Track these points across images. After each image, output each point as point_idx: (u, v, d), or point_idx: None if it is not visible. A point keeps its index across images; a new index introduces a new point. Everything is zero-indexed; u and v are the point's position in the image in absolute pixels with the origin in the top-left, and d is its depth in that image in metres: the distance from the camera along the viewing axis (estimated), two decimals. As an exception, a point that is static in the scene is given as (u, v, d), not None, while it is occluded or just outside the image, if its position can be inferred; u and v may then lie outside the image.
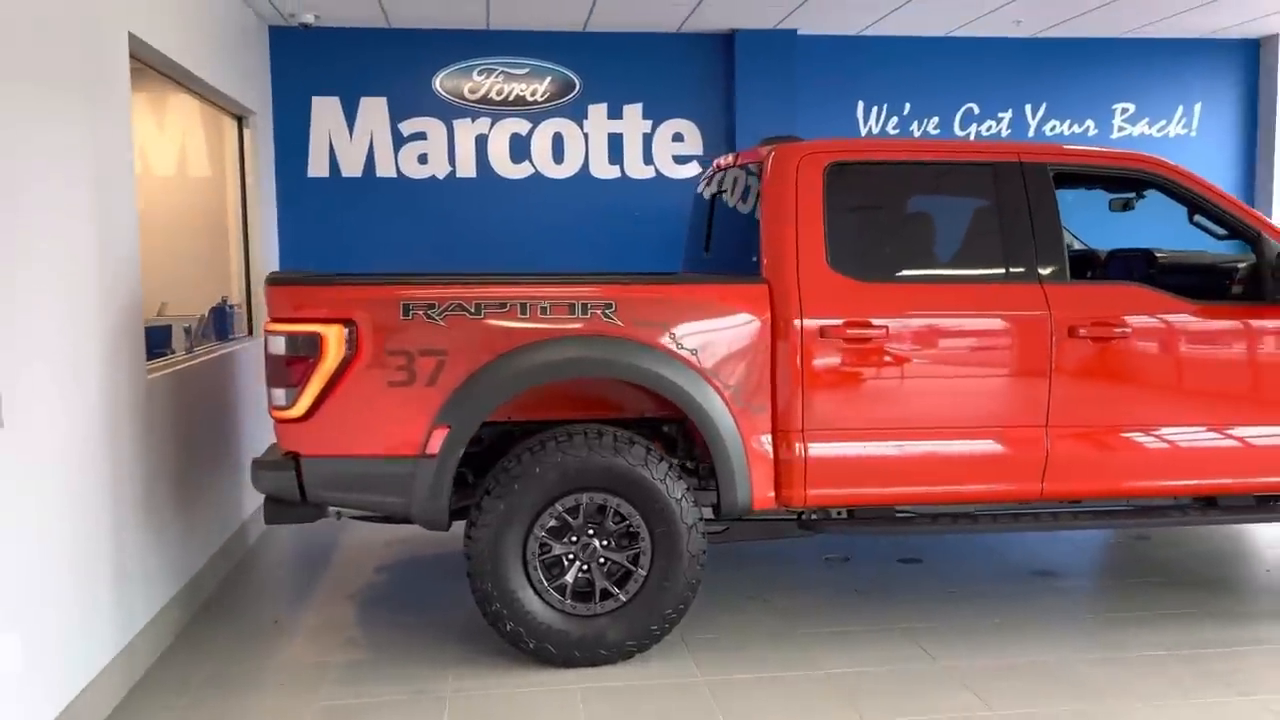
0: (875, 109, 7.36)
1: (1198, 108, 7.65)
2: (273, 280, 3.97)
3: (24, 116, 3.13)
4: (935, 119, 7.41)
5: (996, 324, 4.22)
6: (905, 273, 4.35)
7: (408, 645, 4.30)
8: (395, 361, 3.86)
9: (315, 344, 3.83)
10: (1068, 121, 7.51)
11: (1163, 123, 7.62)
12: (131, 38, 4.16)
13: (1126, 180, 4.71)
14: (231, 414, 5.46)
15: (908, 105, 7.39)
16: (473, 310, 3.89)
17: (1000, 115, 7.45)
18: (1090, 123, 7.53)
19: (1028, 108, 7.47)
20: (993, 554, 5.53)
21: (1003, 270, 4.27)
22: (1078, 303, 4.25)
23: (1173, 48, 7.53)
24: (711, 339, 4.03)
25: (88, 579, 3.54)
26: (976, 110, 7.43)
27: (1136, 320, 4.25)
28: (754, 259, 4.29)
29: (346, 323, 3.84)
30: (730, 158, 4.93)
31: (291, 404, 3.87)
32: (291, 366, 3.86)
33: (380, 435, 3.89)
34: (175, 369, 4.58)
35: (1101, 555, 5.63)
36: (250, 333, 6.39)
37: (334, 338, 3.83)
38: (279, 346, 3.86)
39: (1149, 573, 5.23)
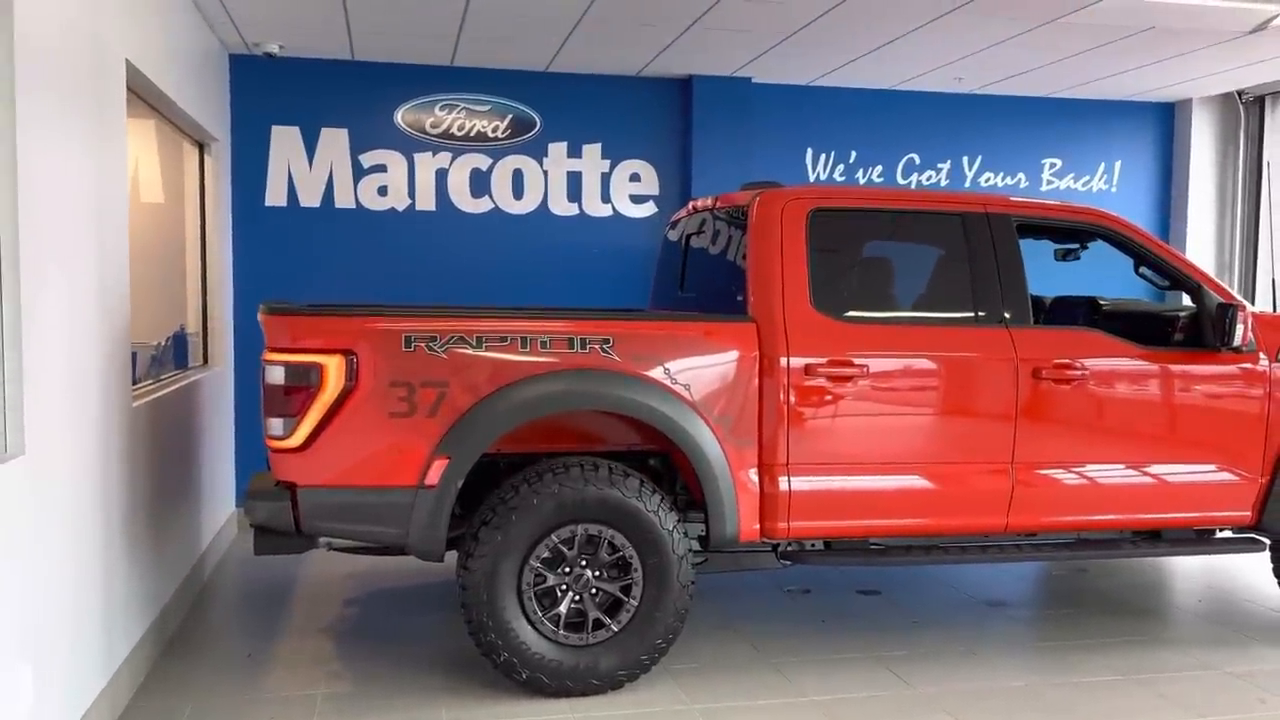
0: (823, 155, 7.65)
1: (1118, 165, 8.16)
2: (271, 310, 3.97)
3: (41, 144, 3.11)
4: (879, 167, 7.74)
5: (966, 364, 4.45)
6: (881, 314, 4.57)
7: (393, 677, 4.28)
8: (395, 393, 3.89)
9: (315, 374, 3.83)
10: (1001, 173, 7.92)
11: (1086, 177, 8.10)
12: (128, 65, 4.14)
13: (1078, 232, 5.04)
14: (194, 443, 5.37)
15: (854, 153, 7.70)
16: (474, 343, 3.95)
17: (939, 165, 7.82)
18: (1022, 175, 7.96)
19: (965, 159, 7.87)
20: (945, 585, 5.76)
21: (972, 313, 4.52)
22: (1040, 345, 4.52)
23: (1097, 109, 8.03)
24: (703, 374, 4.17)
25: (81, 609, 3.46)
26: (917, 160, 7.79)
27: (1092, 363, 4.54)
28: (738, 298, 4.45)
29: (347, 353, 3.86)
30: (708, 200, 5.10)
31: (289, 434, 3.86)
32: (290, 396, 3.85)
33: (379, 466, 3.91)
34: (153, 396, 4.51)
35: (1047, 586, 5.92)
36: (205, 361, 6.28)
37: (334, 368, 3.85)
38: (277, 376, 3.86)
39: (1093, 603, 5.52)
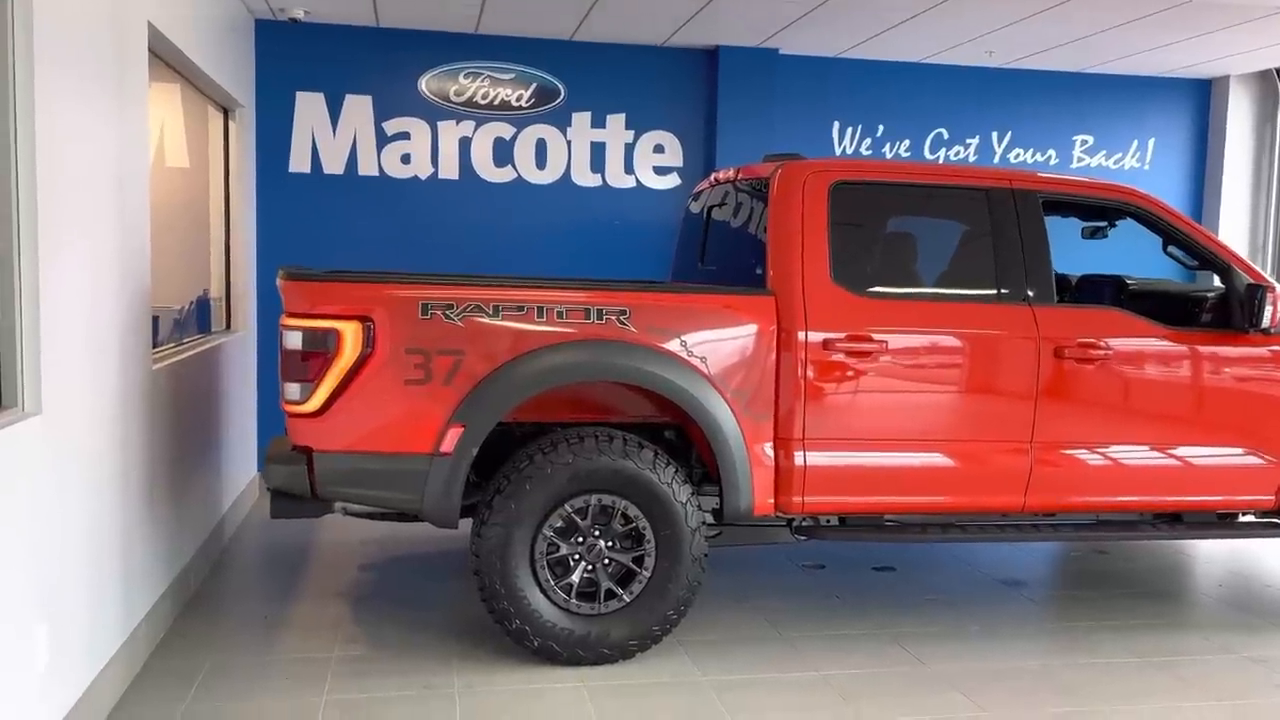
0: (850, 129, 7.57)
1: (1151, 143, 8.02)
2: (289, 275, 3.98)
3: (60, 105, 3.12)
4: (906, 141, 7.64)
5: (987, 342, 4.40)
6: (902, 290, 4.53)
7: (406, 641, 4.32)
8: (412, 360, 3.89)
9: (332, 340, 3.85)
10: (1031, 150, 7.81)
11: (1118, 155, 7.97)
12: (150, 28, 4.14)
13: (1106, 210, 4.96)
14: (216, 406, 5.41)
15: (881, 127, 7.61)
16: (491, 312, 3.94)
17: (968, 141, 7.71)
18: (1052, 152, 7.84)
19: (994, 135, 7.76)
20: (961, 563, 5.73)
21: (994, 290, 4.46)
22: (1063, 324, 4.46)
23: (1131, 85, 7.88)
24: (720, 347, 4.15)
25: (99, 567, 3.51)
26: (946, 135, 7.69)
27: (1116, 343, 4.47)
28: (756, 271, 4.41)
29: (364, 320, 3.87)
30: (730, 172, 5.06)
31: (306, 399, 3.88)
32: (307, 361, 3.87)
33: (394, 432, 3.92)
34: (175, 360, 4.54)
35: (1065, 567, 5.87)
36: (228, 326, 6.33)
37: (351, 334, 3.86)
38: (295, 341, 3.87)
39: (1112, 585, 5.48)
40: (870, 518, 4.47)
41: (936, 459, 4.36)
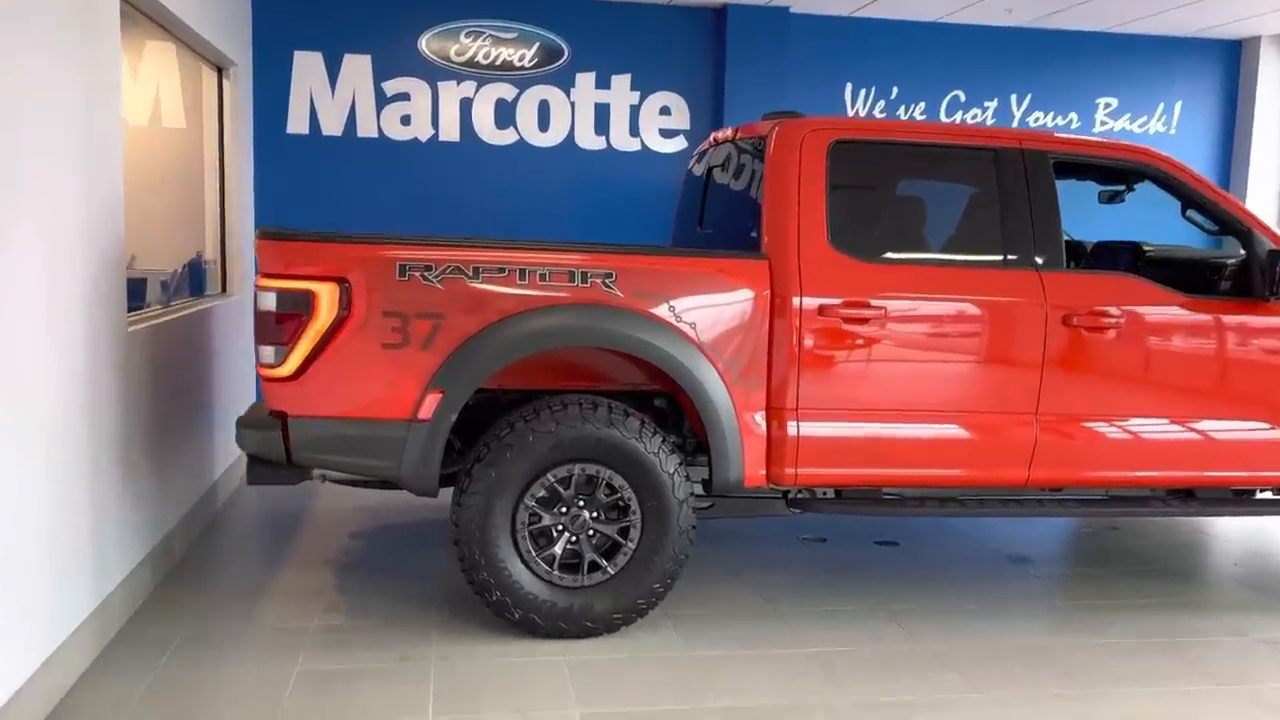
0: (863, 91, 7.34)
1: (1178, 106, 7.74)
2: (265, 234, 3.86)
3: (18, 58, 2.99)
4: (922, 104, 7.41)
5: (991, 309, 4.22)
6: (903, 255, 4.35)
7: (388, 612, 4.23)
8: (390, 323, 3.77)
9: (307, 301, 3.73)
10: (1051, 113, 7.55)
11: (1144, 119, 7.69)
12: (122, -24, 4.01)
13: (1122, 172, 4.74)
14: (206, 372, 5.32)
15: (895, 89, 7.38)
16: (471, 274, 3.81)
17: (986, 104, 7.47)
18: (1074, 115, 7.57)
19: (1013, 97, 7.50)
20: (967, 539, 5.57)
21: (1000, 256, 4.27)
22: (1072, 291, 4.27)
23: (1157, 45, 7.59)
24: (710, 313, 3.99)
25: (65, 532, 3.42)
26: (963, 98, 7.44)
27: (1129, 311, 4.28)
28: (752, 234, 4.25)
29: (340, 281, 3.74)
30: (728, 131, 4.88)
31: (280, 362, 3.77)
32: (281, 324, 3.76)
33: (371, 398, 3.81)
34: (155, 322, 4.44)
35: (1074, 543, 5.70)
36: (224, 290, 6.23)
37: (327, 296, 3.73)
38: (269, 303, 3.75)
39: (1121, 562, 5.30)
40: (867, 490, 4.32)
41: (936, 430, 4.20)
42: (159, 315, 4.62)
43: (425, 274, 3.78)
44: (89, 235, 3.66)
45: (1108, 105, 7.64)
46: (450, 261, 3.80)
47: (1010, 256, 4.27)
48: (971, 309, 4.20)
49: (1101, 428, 4.31)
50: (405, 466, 3.83)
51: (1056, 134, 5.02)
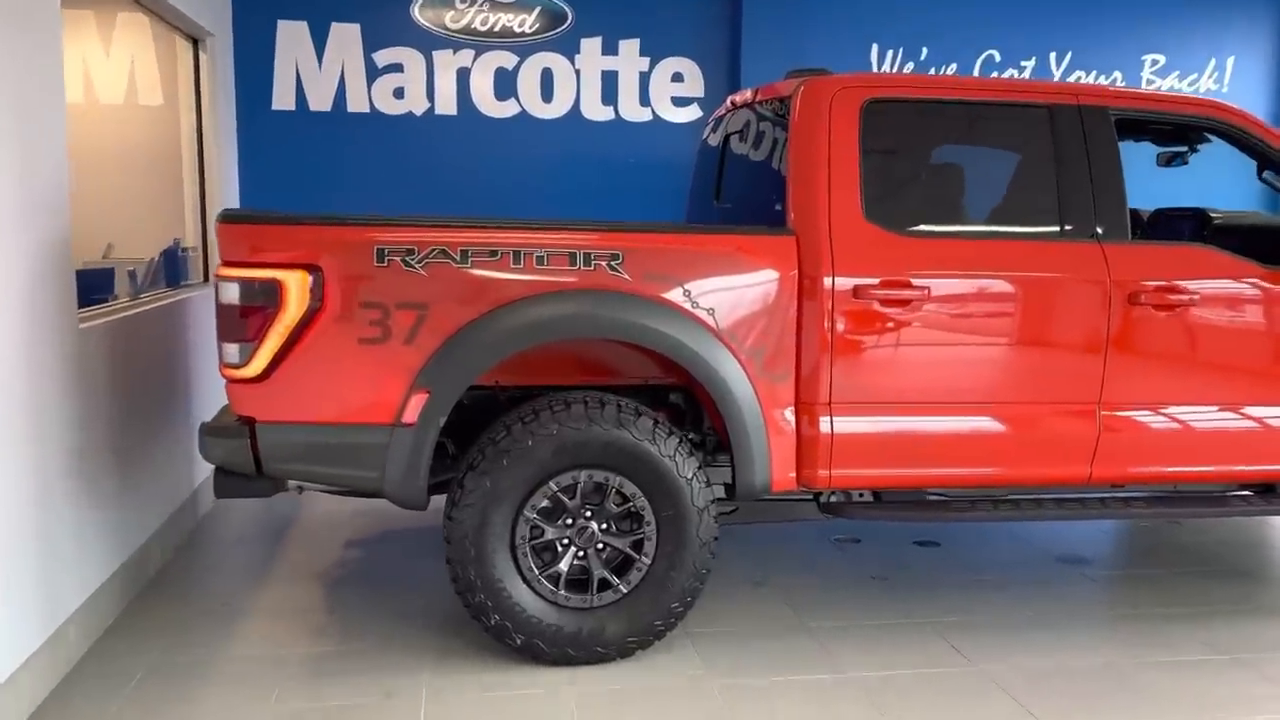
0: (890, 52, 6.83)
1: (1230, 61, 7.18)
2: (226, 218, 3.42)
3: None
4: (954, 65, 6.89)
5: (1048, 287, 3.74)
6: (948, 227, 3.87)
7: (381, 633, 3.82)
8: (367, 315, 3.33)
9: (274, 292, 3.29)
10: (1094, 72, 7.01)
11: (1193, 76, 7.15)
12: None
13: (1188, 129, 4.25)
14: (181, 370, 4.90)
15: (925, 50, 6.86)
16: (458, 258, 3.36)
17: (1023, 64, 6.94)
18: (1118, 74, 7.03)
19: (1052, 56, 6.97)
20: (1014, 537, 5.11)
21: (1057, 227, 3.80)
22: (1138, 265, 3.79)
23: (1208, -4, 7.05)
24: (730, 297, 3.53)
25: (6, 559, 3.01)
26: (998, 57, 6.92)
27: (1202, 286, 3.80)
28: (777, 207, 3.78)
29: (311, 269, 3.30)
30: (747, 93, 4.40)
31: (245, 361, 3.33)
32: (246, 318, 3.32)
33: (349, 400, 3.38)
34: (114, 318, 4.01)
35: (1129, 540, 5.23)
36: (205, 279, 5.81)
37: (295, 286, 3.29)
38: (231, 294, 3.32)
39: (1183, 562, 4.83)
40: (910, 493, 3.87)
41: (987, 424, 3.74)
42: (121, 309, 4.19)
43: (407, 259, 3.33)
44: (26, 222, 3.23)
45: (1154, 62, 7.09)
46: (435, 244, 3.35)
47: (1068, 227, 3.79)
48: (1024, 287, 3.73)
49: (1172, 418, 3.84)
50: (389, 477, 3.40)
51: (1117, 88, 4.49)
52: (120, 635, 3.77)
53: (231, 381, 3.40)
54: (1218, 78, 7.17)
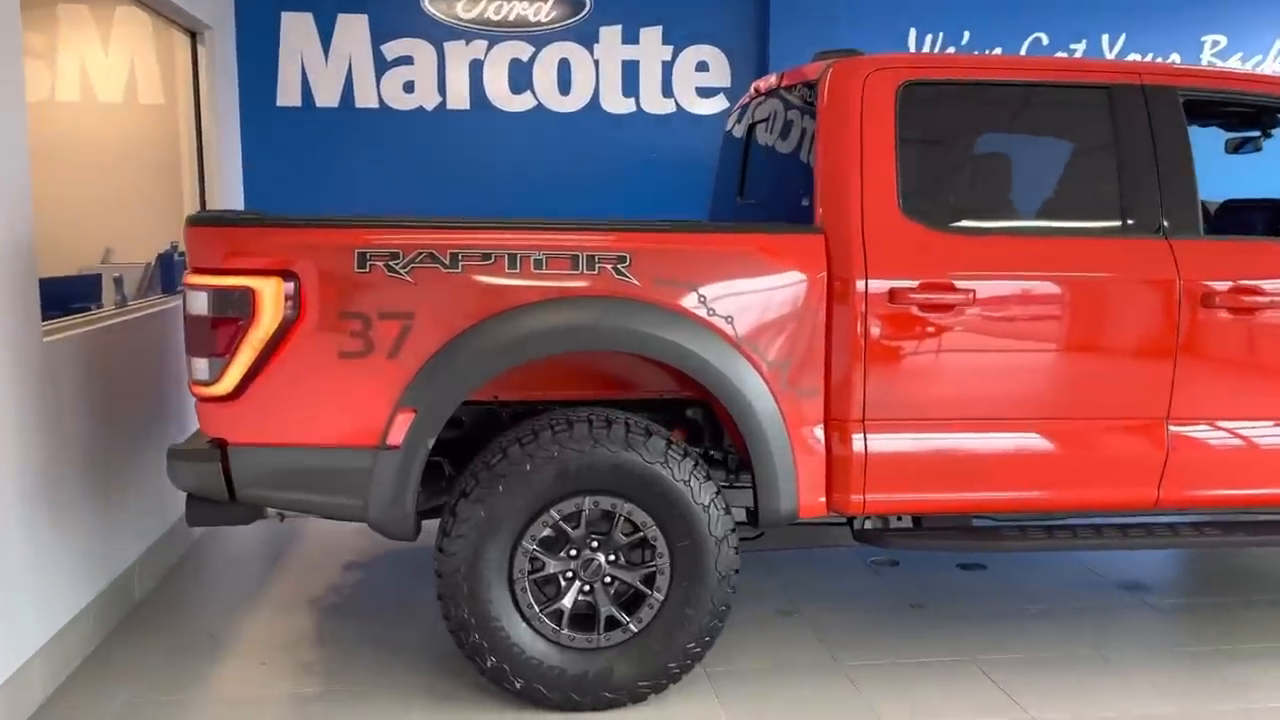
0: (929, 36, 6.42)
1: (1298, 42, 6.69)
2: (195, 221, 3.13)
3: None
4: (998, 49, 6.45)
5: (1108, 289, 3.35)
6: (995, 223, 3.49)
7: (370, 674, 3.49)
8: (348, 326, 3.01)
9: (246, 302, 2.98)
10: (1150, 54, 6.54)
11: (1258, 58, 6.66)
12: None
13: (1266, 112, 3.83)
14: (168, 384, 4.60)
15: (967, 33, 6.43)
16: (448, 262, 3.03)
17: (1073, 47, 6.49)
18: (1176, 56, 6.55)
19: (1104, 38, 6.51)
20: (1066, 560, 4.69)
21: (1119, 221, 3.40)
22: (1212, 263, 3.39)
23: (1273, -30, 6.56)
24: (751, 303, 3.18)
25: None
26: (1045, 41, 6.47)
27: (1284, 287, 3.38)
28: (805, 203, 3.42)
29: (286, 275, 2.99)
30: (772, 79, 4.03)
31: (216, 378, 3.03)
32: (216, 330, 3.02)
33: (329, 420, 3.06)
34: (87, 330, 3.73)
35: (1193, 563, 4.79)
36: (207, 284, 5.53)
37: (270, 294, 2.98)
38: (200, 304, 3.02)
39: (1250, 587, 4.40)
40: (954, 518, 3.49)
41: (1039, 442, 3.35)
42: (94, 321, 3.91)
43: (391, 264, 3.01)
44: (-27, 227, 2.94)
45: (1215, 44, 6.61)
46: (421, 247, 3.02)
47: (1130, 221, 3.39)
48: (1082, 289, 3.33)
49: (1249, 434, 3.43)
50: (373, 504, 3.08)
51: (1186, 66, 4.07)
52: (92, 673, 3.48)
53: (201, 400, 3.10)
54: (1284, 59, 6.68)
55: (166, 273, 5.12)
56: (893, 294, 3.22)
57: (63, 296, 4.00)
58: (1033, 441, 3.36)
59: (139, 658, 3.61)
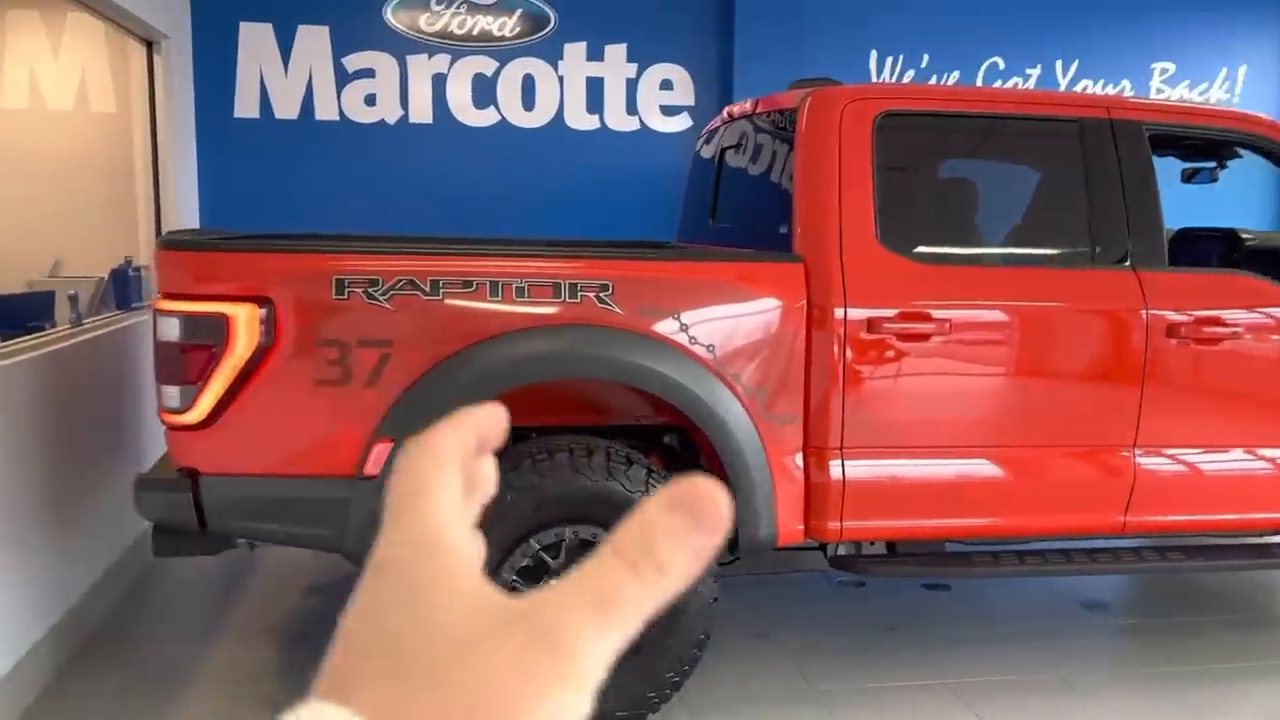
0: (890, 59, 6.50)
1: (1242, 71, 6.89)
2: (166, 243, 3.05)
3: None
4: (956, 73, 6.57)
5: (1078, 319, 3.41)
6: (970, 251, 3.54)
7: (339, 706, 3.41)
8: (325, 354, 2.95)
9: (219, 328, 2.90)
10: (1101, 80, 6.71)
11: (1204, 85, 6.85)
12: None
13: (1220, 145, 3.93)
14: (125, 405, 4.48)
15: (926, 57, 6.53)
16: (428, 289, 2.98)
17: (1028, 71, 6.63)
18: (1126, 82, 6.73)
19: (1058, 64, 6.66)
20: (1030, 580, 4.75)
21: (1088, 251, 3.46)
22: (1176, 294, 3.46)
23: (1219, 2, 6.74)
24: (731, 330, 3.18)
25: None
26: (1001, 65, 6.60)
27: (1246, 318, 3.47)
28: (782, 230, 3.43)
29: (261, 301, 2.92)
30: (746, 105, 4.05)
31: (188, 406, 2.94)
32: (188, 357, 2.94)
33: (305, 449, 3.00)
34: (36, 352, 3.60)
35: (1155, 583, 4.89)
36: (161, 300, 5.39)
37: (244, 321, 2.91)
38: (171, 331, 2.94)
39: (1215, 607, 4.50)
40: (928, 544, 3.52)
41: (1013, 470, 3.39)
42: (49, 342, 3.78)
43: (370, 291, 2.96)
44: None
45: (1164, 71, 6.79)
46: (401, 274, 2.97)
47: (1099, 250, 3.46)
48: (1052, 319, 3.39)
49: (1213, 461, 3.51)
50: (349, 535, 3.02)
51: (1150, 100, 4.17)
52: (51, 707, 3.36)
53: (172, 428, 3.01)
54: (1229, 87, 6.88)
55: (120, 288, 4.98)
56: (870, 322, 3.24)
57: (15, 314, 3.88)
58: (1006, 469, 3.40)
59: (97, 690, 3.49)
